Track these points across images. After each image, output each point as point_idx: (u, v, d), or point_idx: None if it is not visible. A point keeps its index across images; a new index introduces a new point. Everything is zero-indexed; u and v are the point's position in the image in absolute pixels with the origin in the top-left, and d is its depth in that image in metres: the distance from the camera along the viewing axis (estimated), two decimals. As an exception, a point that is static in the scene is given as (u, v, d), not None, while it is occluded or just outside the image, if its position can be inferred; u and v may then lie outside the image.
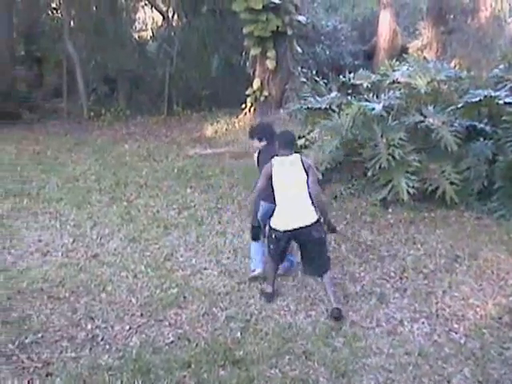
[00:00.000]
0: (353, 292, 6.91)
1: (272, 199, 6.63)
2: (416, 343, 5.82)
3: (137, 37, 24.17)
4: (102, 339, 5.98)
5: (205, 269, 7.57)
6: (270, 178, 6.55)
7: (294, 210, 6.47)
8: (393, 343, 5.81)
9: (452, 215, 9.35)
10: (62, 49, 20.47)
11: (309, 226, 6.37)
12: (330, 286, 6.51)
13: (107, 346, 5.84)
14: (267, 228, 6.76)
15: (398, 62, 12.53)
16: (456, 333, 6.00)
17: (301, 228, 6.38)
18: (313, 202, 6.44)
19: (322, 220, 6.55)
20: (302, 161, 6.51)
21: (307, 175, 6.42)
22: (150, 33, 25.00)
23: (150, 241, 8.63)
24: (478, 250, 7.99)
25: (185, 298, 6.81)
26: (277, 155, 6.62)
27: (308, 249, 6.56)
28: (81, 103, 20.27)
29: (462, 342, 5.83)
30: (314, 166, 6.75)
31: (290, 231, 6.44)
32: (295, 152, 6.67)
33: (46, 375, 5.36)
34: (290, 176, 6.48)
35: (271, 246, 6.72)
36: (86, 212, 9.96)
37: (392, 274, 7.37)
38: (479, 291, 6.86)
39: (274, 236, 6.60)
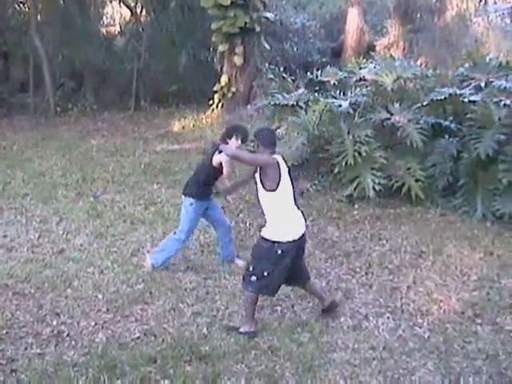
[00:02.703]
0: (318, 287, 6.94)
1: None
2: (381, 338, 5.87)
3: (104, 32, 23.95)
4: (67, 335, 5.93)
5: (172, 264, 7.53)
6: (275, 172, 5.75)
7: (297, 215, 5.93)
8: (358, 338, 5.85)
9: (417, 211, 9.44)
10: (29, 43, 20.23)
11: (303, 233, 5.96)
12: (318, 284, 6.58)
13: (73, 342, 5.80)
14: (261, 245, 5.85)
15: (364, 60, 12.63)
16: (420, 327, 6.06)
17: (303, 233, 5.93)
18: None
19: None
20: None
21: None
22: (117, 28, 24.79)
23: (116, 236, 8.58)
24: (443, 245, 8.09)
25: (151, 293, 6.78)
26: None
27: (299, 256, 6.01)
28: (48, 98, 20.04)
29: (426, 336, 5.89)
30: None
31: (299, 239, 5.83)
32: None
33: (11, 372, 5.31)
34: (288, 179, 5.89)
35: (277, 270, 5.76)
36: (52, 207, 9.87)
37: (358, 270, 7.43)
38: (443, 286, 6.94)
39: (280, 252, 5.69)
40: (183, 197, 7.22)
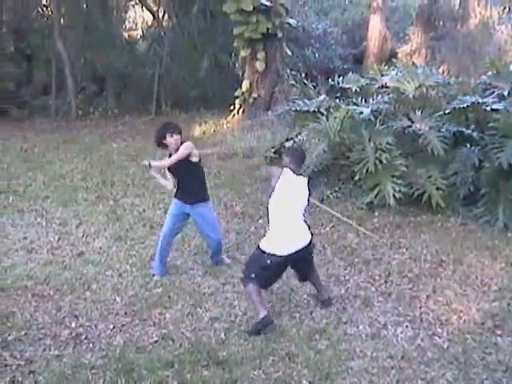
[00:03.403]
0: (337, 295, 6.92)
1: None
2: (399, 347, 5.83)
3: (127, 36, 24.13)
4: (85, 338, 5.97)
5: (190, 269, 7.57)
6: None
7: (293, 230, 6.18)
8: (376, 346, 5.82)
9: (438, 220, 9.37)
10: (52, 46, 20.41)
11: (308, 244, 6.27)
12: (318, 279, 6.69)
13: (91, 345, 5.83)
14: (256, 251, 6.35)
15: (386, 67, 12.59)
16: (439, 337, 6.02)
17: (302, 248, 6.19)
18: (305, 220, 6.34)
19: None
20: (308, 185, 6.34)
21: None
22: (139, 32, 24.95)
23: (135, 240, 8.62)
24: (463, 255, 8.01)
25: (169, 297, 6.80)
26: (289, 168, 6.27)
27: (301, 267, 6.49)
28: (69, 101, 20.20)
29: (445, 346, 5.85)
30: None
31: (292, 254, 6.13)
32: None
33: (29, 373, 5.35)
34: (294, 196, 6.19)
35: (264, 274, 6.19)
36: (72, 210, 9.94)
37: (377, 278, 7.39)
38: (463, 296, 6.88)
39: (269, 262, 6.10)
40: (203, 203, 7.38)
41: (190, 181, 7.21)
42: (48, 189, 11.14)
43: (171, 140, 7.14)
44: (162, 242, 7.36)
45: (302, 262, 6.37)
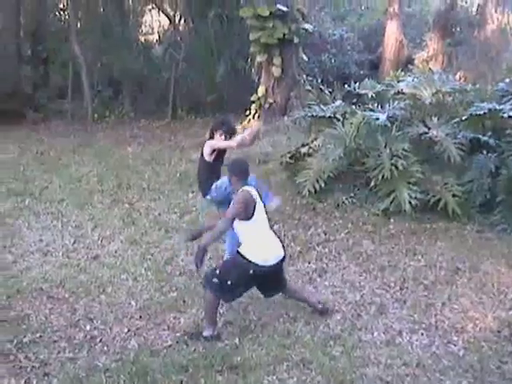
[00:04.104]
0: (352, 301, 6.91)
1: None
2: (414, 354, 5.81)
3: (143, 40, 24.18)
4: (100, 341, 6.00)
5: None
6: (252, 207, 6.02)
7: (274, 240, 6.25)
8: (391, 354, 5.81)
9: (454, 227, 9.32)
10: (69, 50, 20.48)
11: (284, 255, 6.32)
12: (303, 291, 6.74)
13: (105, 348, 5.86)
14: (237, 259, 6.10)
15: (403, 73, 12.58)
16: (455, 345, 5.99)
17: (282, 258, 6.22)
18: None
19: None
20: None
21: None
22: (156, 36, 25.03)
23: (150, 244, 8.64)
24: (479, 262, 7.97)
25: (184, 302, 6.83)
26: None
27: (274, 279, 6.29)
28: (85, 105, 20.24)
29: (461, 354, 5.82)
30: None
31: (276, 264, 6.13)
32: None
33: (43, 375, 5.38)
34: (262, 206, 6.22)
35: (240, 284, 6.04)
36: (88, 213, 9.99)
37: (392, 285, 7.37)
38: (479, 304, 6.85)
39: (252, 272, 5.94)
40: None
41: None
42: (64, 192, 11.19)
43: (218, 138, 7.43)
44: None
45: (277, 274, 6.27)
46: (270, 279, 6.19)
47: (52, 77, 22.74)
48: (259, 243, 6.05)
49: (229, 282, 5.89)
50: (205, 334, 6.03)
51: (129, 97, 21.55)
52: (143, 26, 25.49)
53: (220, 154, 7.44)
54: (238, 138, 7.44)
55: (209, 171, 7.42)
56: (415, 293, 7.15)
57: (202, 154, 7.42)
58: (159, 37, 24.61)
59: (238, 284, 5.99)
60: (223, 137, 7.36)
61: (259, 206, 6.09)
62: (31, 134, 17.12)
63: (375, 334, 6.21)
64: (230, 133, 7.44)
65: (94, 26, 21.53)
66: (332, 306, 6.73)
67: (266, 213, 6.29)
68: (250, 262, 5.93)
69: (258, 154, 12.93)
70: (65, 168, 13.08)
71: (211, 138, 7.45)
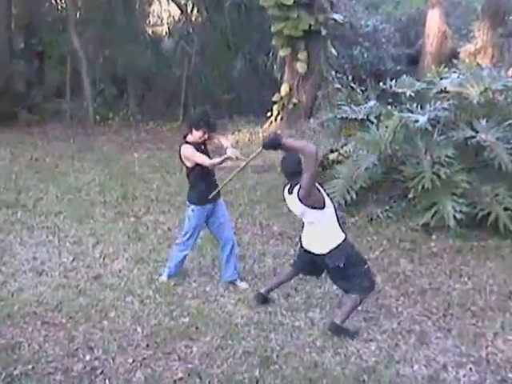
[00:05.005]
0: (388, 329, 6.85)
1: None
2: (461, 392, 5.76)
3: (151, 32, 24.33)
4: (101, 372, 5.97)
5: (221, 296, 7.57)
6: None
7: (307, 235, 6.87)
8: (434, 391, 5.76)
9: (506, 245, 9.25)
10: (67, 43, 20.64)
11: (320, 254, 6.66)
12: (346, 303, 6.76)
13: (107, 381, 5.84)
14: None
15: (446, 69, 12.51)
16: (510, 382, 5.92)
17: (313, 253, 6.77)
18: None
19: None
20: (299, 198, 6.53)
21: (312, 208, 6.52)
22: (165, 28, 25.16)
23: (159, 262, 8.63)
24: (536, 286, 7.92)
25: (197, 328, 6.80)
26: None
27: (326, 270, 6.92)
28: (86, 105, 20.38)
29: (517, 393, 5.76)
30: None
31: (305, 250, 6.86)
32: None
33: (37, 413, 5.36)
34: (295, 211, 6.80)
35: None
36: (89, 228, 10.02)
37: (434, 311, 7.30)
38: (537, 334, 6.79)
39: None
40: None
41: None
42: (61, 203, 11.25)
43: (197, 135, 7.68)
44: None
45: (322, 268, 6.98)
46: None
47: (48, 73, 22.94)
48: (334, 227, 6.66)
49: (366, 267, 6.79)
50: (341, 324, 6.65)
51: (135, 96, 21.67)
52: (151, 17, 25.63)
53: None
54: (215, 161, 7.62)
55: (194, 177, 7.76)
56: (462, 320, 7.08)
57: (183, 161, 7.75)
58: (169, 28, 24.75)
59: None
60: (202, 133, 7.59)
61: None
62: (24, 138, 17.26)
63: (415, 367, 6.15)
64: (211, 128, 7.71)
65: (96, 15, 21.72)
66: (365, 334, 6.69)
67: None
68: (353, 247, 6.94)
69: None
70: (62, 176, 13.15)
71: (189, 134, 7.73)
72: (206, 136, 7.64)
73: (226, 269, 7.95)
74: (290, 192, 6.59)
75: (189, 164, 7.63)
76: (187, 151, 7.58)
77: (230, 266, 7.91)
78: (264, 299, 7.31)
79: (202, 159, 7.50)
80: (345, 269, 6.55)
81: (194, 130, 7.61)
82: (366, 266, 6.79)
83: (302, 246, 6.94)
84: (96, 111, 20.19)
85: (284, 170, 6.80)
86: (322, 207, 6.46)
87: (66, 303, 7.33)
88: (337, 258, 6.52)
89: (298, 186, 6.42)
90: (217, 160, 7.51)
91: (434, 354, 6.38)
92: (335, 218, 6.64)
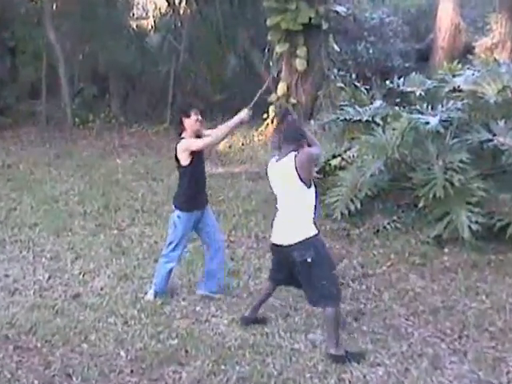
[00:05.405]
0: (398, 352, 6.83)
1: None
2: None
3: (135, 26, 24.31)
4: (81, 402, 5.96)
5: (213, 316, 7.56)
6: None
7: (278, 223, 6.97)
8: (449, 422, 5.76)
9: (527, 260, 9.28)
10: (42, 37, 20.59)
11: (288, 246, 6.71)
12: (326, 323, 6.73)
13: (87, 411, 5.83)
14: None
15: (460, 65, 12.54)
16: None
17: (281, 247, 6.82)
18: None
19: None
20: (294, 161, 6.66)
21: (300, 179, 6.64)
22: (151, 21, 25.15)
23: (145, 279, 8.63)
24: (561, 304, 7.91)
25: (187, 352, 6.78)
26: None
27: (295, 272, 6.84)
28: (64, 106, 20.38)
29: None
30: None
31: (275, 246, 6.99)
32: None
33: None
34: (277, 183, 6.93)
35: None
36: (67, 241, 10.01)
37: (448, 332, 7.29)
38: None
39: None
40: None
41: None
42: (36, 214, 11.25)
43: (193, 119, 7.85)
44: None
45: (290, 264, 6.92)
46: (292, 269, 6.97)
47: (21, 71, 22.83)
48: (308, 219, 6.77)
49: (334, 272, 6.99)
50: (341, 352, 6.56)
51: (117, 96, 21.69)
52: (135, 9, 25.61)
53: (197, 153, 7.78)
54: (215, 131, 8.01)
55: (187, 179, 7.82)
56: (479, 343, 7.06)
57: (178, 160, 7.74)
58: (155, 22, 24.72)
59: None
60: (195, 116, 7.77)
61: (271, 180, 7.02)
62: (-5, 143, 17.25)
63: (428, 394, 6.16)
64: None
65: (74, 7, 21.65)
66: (372, 357, 6.67)
67: None
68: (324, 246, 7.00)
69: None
70: (38, 185, 13.15)
71: (181, 124, 7.82)
72: (200, 117, 7.81)
73: (209, 279, 8.10)
74: (279, 160, 6.77)
75: (184, 161, 7.66)
76: (183, 143, 7.65)
77: (214, 277, 8.05)
78: (252, 321, 7.34)
79: (202, 142, 7.72)
80: (312, 266, 6.59)
81: (186, 120, 7.75)
82: (334, 272, 6.97)
83: (271, 245, 7.07)
84: (75, 113, 20.18)
85: (285, 134, 7.02)
86: (309, 186, 6.65)
87: (42, 325, 7.31)
88: (305, 251, 6.58)
89: (293, 153, 6.62)
90: (226, 126, 7.88)
91: (449, 380, 6.36)
92: (313, 209, 6.78)
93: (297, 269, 6.72)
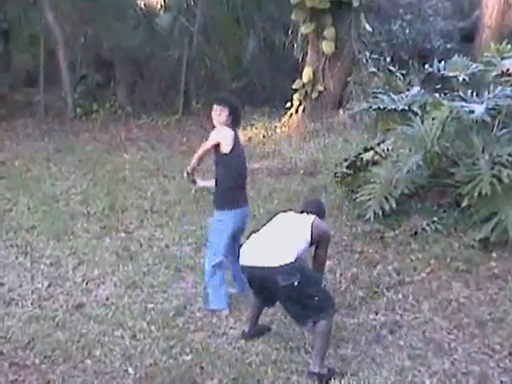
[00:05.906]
0: (440, 370, 6.81)
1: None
2: None
3: (143, 5, 24.35)
4: (84, 425, 6.00)
5: (231, 328, 7.58)
6: None
7: (261, 244, 7.03)
8: None
9: None
10: (39, 19, 20.64)
11: (267, 268, 6.72)
12: (318, 338, 6.71)
13: None
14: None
15: (509, 46, 12.48)
16: None
17: (257, 268, 6.85)
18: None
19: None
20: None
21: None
22: (161, 0, 25.20)
23: (155, 287, 8.66)
24: None
25: (202, 368, 6.80)
26: None
27: (277, 297, 7.01)
28: (64, 95, 20.45)
29: None
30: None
31: (246, 268, 7.05)
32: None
33: None
34: (284, 219, 7.39)
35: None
36: (68, 246, 10.05)
37: (497, 348, 7.24)
38: None
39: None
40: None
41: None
42: (34, 216, 11.29)
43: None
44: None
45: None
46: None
47: (16, 57, 22.92)
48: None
49: (323, 285, 7.30)
50: (323, 371, 6.57)
51: (124, 84, 21.73)
52: (143, -13, 25.71)
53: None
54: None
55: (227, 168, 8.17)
56: (532, 360, 7.05)
57: (216, 148, 8.08)
58: (165, 1, 24.77)
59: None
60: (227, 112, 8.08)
61: None
62: (-12, 137, 17.34)
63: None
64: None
65: (75, -15, 21.72)
66: (410, 376, 6.65)
67: None
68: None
69: (304, 163, 12.94)
70: (36, 183, 13.20)
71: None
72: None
73: (237, 280, 8.28)
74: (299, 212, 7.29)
75: (225, 149, 7.99)
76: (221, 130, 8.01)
77: (240, 277, 8.07)
78: (254, 335, 7.39)
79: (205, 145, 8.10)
80: (301, 288, 6.60)
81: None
82: (323, 285, 7.25)
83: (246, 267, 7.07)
84: (76, 103, 20.25)
85: (305, 204, 7.77)
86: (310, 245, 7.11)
87: (41, 339, 7.34)
88: (290, 275, 6.60)
89: (313, 216, 7.17)
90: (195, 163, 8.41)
91: (497, 402, 6.36)
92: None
93: (280, 294, 6.81)
